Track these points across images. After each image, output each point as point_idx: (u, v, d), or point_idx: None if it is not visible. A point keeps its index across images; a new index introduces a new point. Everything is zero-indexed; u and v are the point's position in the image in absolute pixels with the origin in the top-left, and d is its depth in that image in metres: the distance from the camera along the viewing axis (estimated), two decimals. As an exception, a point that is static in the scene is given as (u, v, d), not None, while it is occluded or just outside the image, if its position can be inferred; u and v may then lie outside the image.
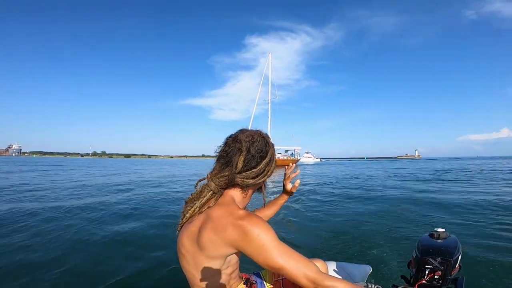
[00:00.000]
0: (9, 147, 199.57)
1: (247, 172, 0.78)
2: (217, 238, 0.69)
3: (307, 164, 37.05)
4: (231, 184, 0.80)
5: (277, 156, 31.19)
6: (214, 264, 0.73)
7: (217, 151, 0.86)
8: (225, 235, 0.68)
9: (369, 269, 1.34)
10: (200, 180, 0.86)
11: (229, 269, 0.77)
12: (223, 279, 0.76)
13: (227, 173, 0.79)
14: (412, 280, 1.05)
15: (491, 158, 69.00)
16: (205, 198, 0.79)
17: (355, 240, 3.19)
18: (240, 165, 0.78)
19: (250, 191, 0.85)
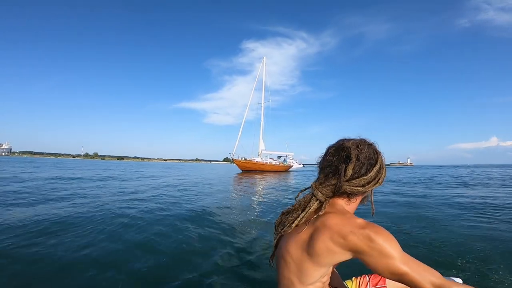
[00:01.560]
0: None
1: (356, 180, 0.79)
2: (335, 245, 0.71)
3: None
4: (338, 193, 0.82)
5: (269, 161, 31.86)
6: (319, 272, 0.76)
7: (318, 161, 0.90)
8: (346, 242, 0.70)
9: (459, 281, 1.18)
10: (302, 191, 0.89)
11: (326, 277, 0.80)
12: (320, 286, 0.79)
13: (334, 182, 0.81)
14: None
15: (481, 166, 69.37)
16: (312, 208, 0.81)
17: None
18: (349, 172, 0.79)
19: (358, 200, 0.86)
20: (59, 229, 3.42)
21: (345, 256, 0.72)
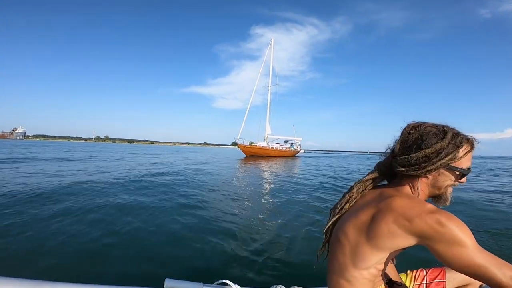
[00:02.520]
0: (13, 130, 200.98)
1: (402, 157, 0.76)
2: (398, 228, 0.67)
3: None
4: (401, 176, 0.80)
5: (275, 146, 30.92)
6: (376, 256, 0.72)
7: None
8: (412, 225, 0.65)
9: None
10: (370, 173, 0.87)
11: (381, 265, 0.74)
12: (374, 273, 0.74)
13: (389, 161, 0.82)
14: None
15: (494, 157, 67.57)
16: (369, 186, 0.84)
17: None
18: (397, 148, 0.79)
19: (424, 188, 0.78)
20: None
21: (408, 241, 0.68)
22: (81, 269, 2.02)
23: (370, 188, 0.84)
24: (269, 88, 32.75)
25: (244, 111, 30.69)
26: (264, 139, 31.82)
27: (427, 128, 0.76)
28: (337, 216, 0.84)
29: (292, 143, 34.44)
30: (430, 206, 0.67)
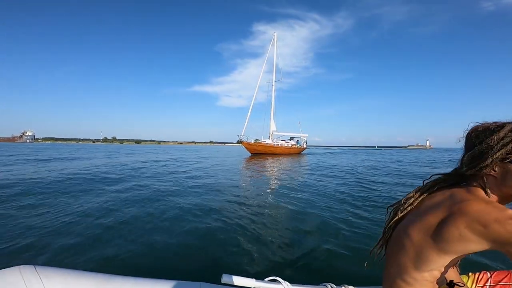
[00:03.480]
0: (23, 134, 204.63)
1: (466, 155, 0.75)
2: (471, 233, 0.63)
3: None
4: (469, 177, 0.76)
5: (281, 143, 30.06)
6: (443, 260, 0.69)
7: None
8: (487, 231, 0.61)
9: None
10: (433, 175, 0.83)
11: (445, 267, 0.71)
12: (435, 275, 0.71)
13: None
14: None
15: None
16: (439, 188, 0.79)
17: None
18: (464, 148, 0.78)
19: (493, 186, 0.72)
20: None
21: (481, 246, 0.65)
22: (167, 265, 2.20)
23: (439, 188, 0.79)
24: (273, 83, 31.76)
25: (249, 108, 29.88)
26: (269, 136, 30.92)
27: (485, 124, 0.75)
28: (401, 215, 0.80)
29: (298, 140, 33.50)
30: (510, 211, 0.62)
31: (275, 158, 20.36)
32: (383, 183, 7.05)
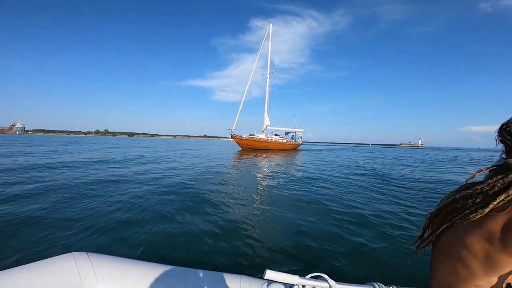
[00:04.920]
0: (12, 125, 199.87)
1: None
2: None
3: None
4: None
5: (275, 139, 28.18)
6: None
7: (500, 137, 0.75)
8: None
9: None
10: (479, 171, 0.74)
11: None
12: (503, 278, 0.66)
13: None
14: None
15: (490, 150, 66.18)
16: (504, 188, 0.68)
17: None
18: None
19: None
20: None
21: None
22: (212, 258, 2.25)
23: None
24: (267, 76, 29.55)
25: (244, 102, 27.80)
26: (262, 131, 28.93)
27: None
28: (451, 222, 0.73)
29: (293, 135, 31.64)
30: None
31: (268, 154, 18.53)
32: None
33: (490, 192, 0.66)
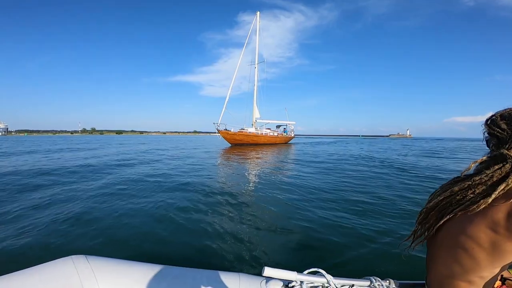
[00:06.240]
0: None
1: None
2: None
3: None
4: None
5: (265, 132, 27.47)
6: None
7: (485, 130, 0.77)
8: None
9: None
10: (474, 162, 0.73)
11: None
12: (495, 273, 0.67)
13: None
14: None
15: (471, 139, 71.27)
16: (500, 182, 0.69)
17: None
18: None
19: None
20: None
21: None
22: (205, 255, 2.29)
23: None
24: (256, 66, 28.73)
25: (232, 98, 26.92)
26: (252, 124, 28.16)
27: (508, 110, 0.71)
28: (452, 214, 0.71)
29: (285, 128, 31.03)
30: None
31: (258, 150, 17.84)
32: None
33: (489, 183, 0.65)
